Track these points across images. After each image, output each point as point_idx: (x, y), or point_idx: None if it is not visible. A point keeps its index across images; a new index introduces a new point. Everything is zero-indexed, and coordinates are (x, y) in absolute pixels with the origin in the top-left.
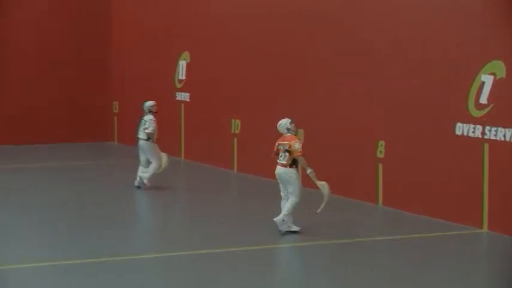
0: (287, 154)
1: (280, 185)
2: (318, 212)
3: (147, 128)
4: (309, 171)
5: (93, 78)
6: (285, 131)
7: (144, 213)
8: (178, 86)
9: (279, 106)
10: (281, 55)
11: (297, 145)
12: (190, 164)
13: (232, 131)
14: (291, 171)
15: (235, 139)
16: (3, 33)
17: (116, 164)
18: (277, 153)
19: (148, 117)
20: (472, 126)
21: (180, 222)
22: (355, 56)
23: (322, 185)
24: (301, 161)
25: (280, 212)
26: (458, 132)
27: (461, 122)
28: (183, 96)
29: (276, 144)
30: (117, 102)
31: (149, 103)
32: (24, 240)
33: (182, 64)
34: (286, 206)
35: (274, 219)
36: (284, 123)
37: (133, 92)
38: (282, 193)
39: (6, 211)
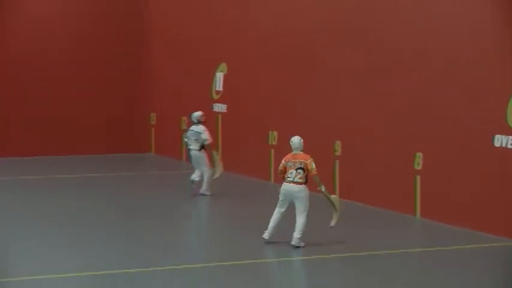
0: (301, 172)
1: (283, 201)
2: (332, 225)
3: (206, 140)
4: (323, 188)
5: (130, 90)
6: (300, 148)
7: (189, 223)
8: (216, 97)
9: (315, 117)
10: (318, 67)
11: (313, 164)
12: (227, 175)
13: (269, 143)
14: (305, 189)
15: (272, 150)
16: (42, 43)
17: (158, 175)
18: (285, 171)
19: (201, 128)
20: (511, 138)
21: (225, 233)
22: (392, 70)
23: (335, 198)
24: (317, 180)
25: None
26: (496, 144)
27: (499, 134)
28: (220, 108)
29: (284, 162)
30: (154, 114)
31: (198, 113)
32: (78, 250)
33: (219, 75)
34: (301, 223)
35: (292, 243)
36: (299, 141)
37: (170, 103)
38: (281, 208)
39: (57, 220)
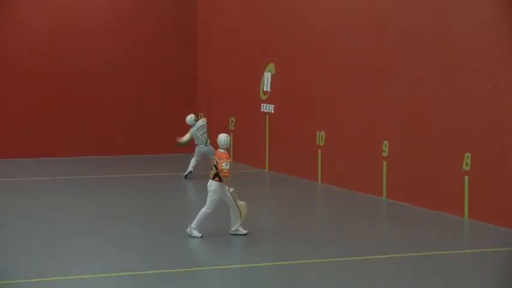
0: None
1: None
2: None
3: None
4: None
5: (180, 90)
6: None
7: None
8: (263, 97)
9: (363, 118)
10: (366, 67)
11: (224, 165)
12: (275, 175)
13: (317, 143)
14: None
15: (320, 150)
16: (97, 45)
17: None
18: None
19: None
20: None
21: (271, 233)
22: (446, 72)
23: (243, 205)
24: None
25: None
26: None
27: None
28: (268, 108)
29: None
30: (202, 114)
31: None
32: (122, 249)
33: (267, 76)
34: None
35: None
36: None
37: (218, 103)
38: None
39: (102, 219)
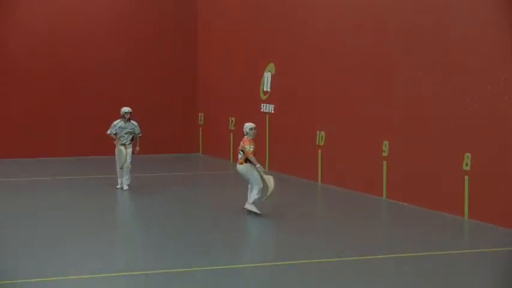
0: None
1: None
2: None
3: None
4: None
5: (179, 90)
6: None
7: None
8: (263, 97)
9: (363, 118)
10: (366, 67)
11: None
12: (275, 175)
13: (317, 143)
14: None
15: (320, 150)
16: (97, 45)
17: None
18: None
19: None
20: None
21: (271, 233)
22: (446, 72)
23: (269, 178)
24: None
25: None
26: None
27: None
28: (268, 108)
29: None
30: (202, 114)
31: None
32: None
33: (267, 76)
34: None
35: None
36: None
37: (218, 103)
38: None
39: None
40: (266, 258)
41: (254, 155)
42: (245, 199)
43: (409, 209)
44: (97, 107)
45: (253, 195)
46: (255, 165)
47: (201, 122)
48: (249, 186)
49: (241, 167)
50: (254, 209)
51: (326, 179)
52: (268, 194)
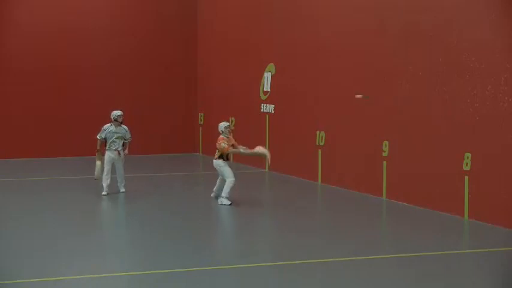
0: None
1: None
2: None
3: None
4: (241, 150)
5: (179, 90)
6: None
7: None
8: (264, 97)
9: (363, 118)
10: (366, 67)
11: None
12: (275, 175)
13: (317, 143)
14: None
15: (320, 151)
16: (95, 46)
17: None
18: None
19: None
20: None
21: (271, 233)
22: (446, 72)
23: (260, 148)
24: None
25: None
26: None
27: None
28: (268, 108)
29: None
30: (202, 114)
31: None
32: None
33: (267, 76)
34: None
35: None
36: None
37: (218, 103)
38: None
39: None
40: (266, 258)
41: (232, 146)
42: (245, 199)
43: (409, 209)
44: (97, 107)
45: (225, 189)
46: (239, 151)
47: (201, 122)
48: (218, 180)
49: (216, 162)
50: (227, 202)
51: (326, 179)
52: (268, 161)
